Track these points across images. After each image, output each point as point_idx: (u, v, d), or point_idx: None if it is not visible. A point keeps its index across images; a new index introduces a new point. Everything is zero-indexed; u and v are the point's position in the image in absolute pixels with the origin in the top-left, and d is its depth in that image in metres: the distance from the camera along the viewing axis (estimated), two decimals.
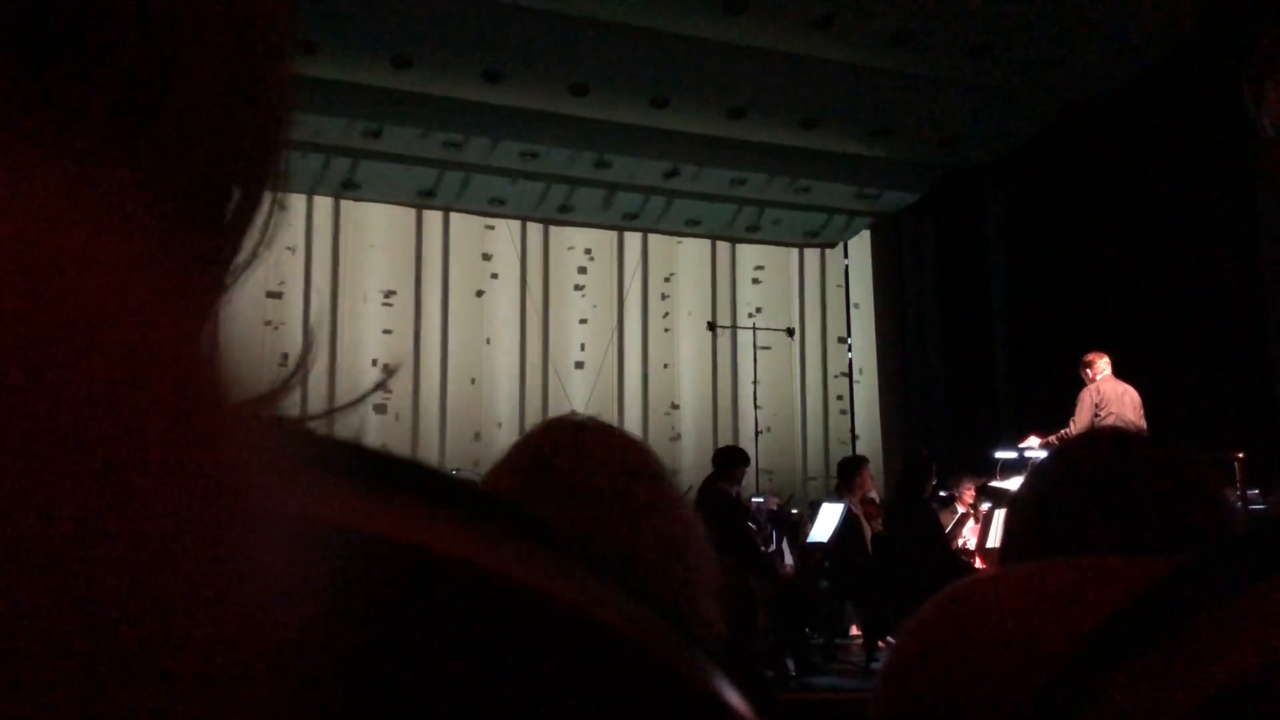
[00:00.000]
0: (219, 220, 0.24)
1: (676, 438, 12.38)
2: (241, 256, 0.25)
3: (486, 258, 12.06)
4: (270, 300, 10.32)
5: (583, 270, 12.51)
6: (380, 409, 10.74)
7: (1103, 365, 7.30)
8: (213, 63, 0.22)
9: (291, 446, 0.24)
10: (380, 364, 11.08)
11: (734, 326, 12.30)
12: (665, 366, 12.66)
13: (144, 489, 0.16)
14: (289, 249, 10.66)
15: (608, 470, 0.99)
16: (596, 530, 0.94)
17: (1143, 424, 6.87)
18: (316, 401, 0.27)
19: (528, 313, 12.14)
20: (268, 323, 10.03)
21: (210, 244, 0.24)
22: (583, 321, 12.46)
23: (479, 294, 11.98)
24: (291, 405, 0.24)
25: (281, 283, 10.62)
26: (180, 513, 0.17)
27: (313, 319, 10.52)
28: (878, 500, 8.32)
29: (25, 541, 0.15)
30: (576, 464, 0.99)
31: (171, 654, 0.16)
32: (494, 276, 12.07)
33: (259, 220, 0.25)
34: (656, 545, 0.97)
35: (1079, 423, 7.11)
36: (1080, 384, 7.40)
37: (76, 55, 0.20)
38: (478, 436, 11.53)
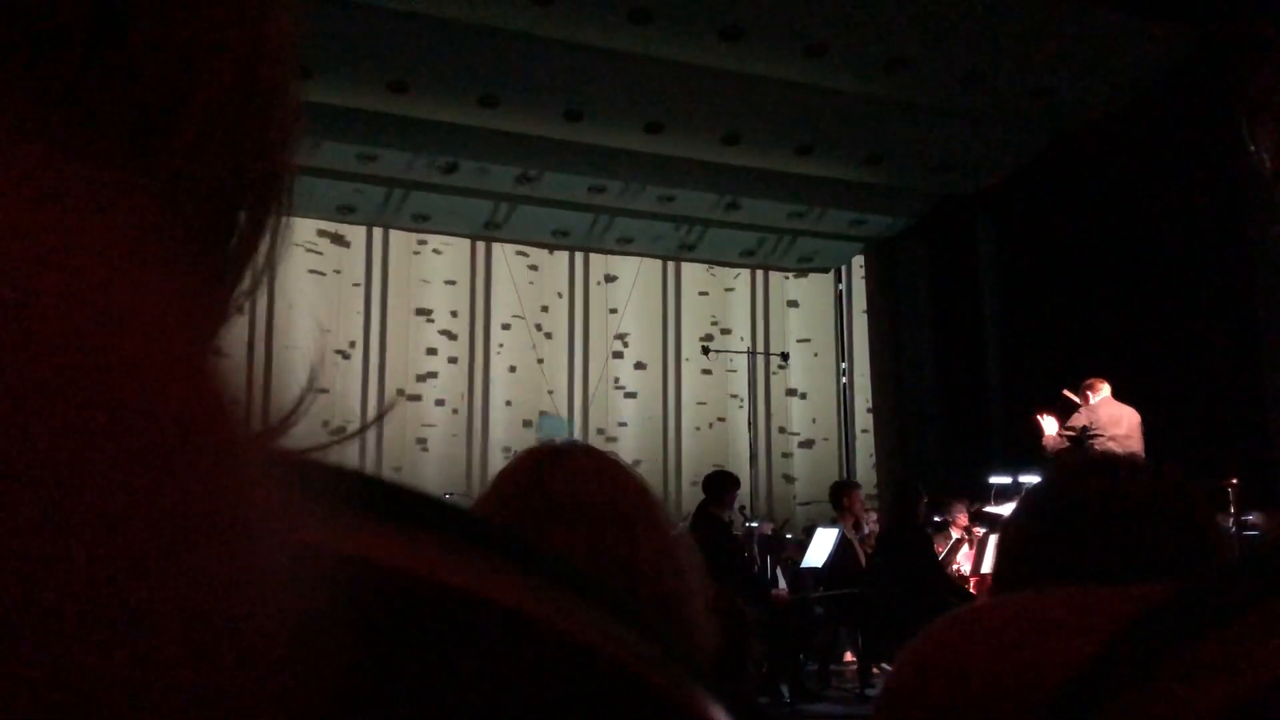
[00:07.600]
0: (224, 245, 0.24)
1: (670, 459, 12.39)
2: (245, 283, 0.25)
3: (484, 282, 12.09)
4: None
5: (575, 292, 12.53)
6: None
7: (1102, 389, 7.33)
8: (225, 87, 0.23)
9: (292, 474, 0.24)
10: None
11: (728, 351, 12.31)
12: (673, 388, 12.68)
13: (145, 511, 0.16)
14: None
15: (594, 490, 1.00)
16: (589, 550, 0.95)
17: (1140, 448, 6.86)
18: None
19: (525, 337, 12.14)
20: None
21: (216, 269, 0.24)
22: (577, 345, 12.47)
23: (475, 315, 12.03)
24: (295, 435, 0.24)
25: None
26: (182, 537, 0.17)
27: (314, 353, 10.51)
28: (867, 526, 8.32)
29: (28, 554, 0.15)
30: (564, 487, 1.00)
31: (171, 677, 0.16)
32: (488, 300, 12.11)
33: (263, 247, 0.25)
34: (650, 558, 0.98)
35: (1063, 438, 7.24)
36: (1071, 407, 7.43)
37: (98, 76, 0.20)
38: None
